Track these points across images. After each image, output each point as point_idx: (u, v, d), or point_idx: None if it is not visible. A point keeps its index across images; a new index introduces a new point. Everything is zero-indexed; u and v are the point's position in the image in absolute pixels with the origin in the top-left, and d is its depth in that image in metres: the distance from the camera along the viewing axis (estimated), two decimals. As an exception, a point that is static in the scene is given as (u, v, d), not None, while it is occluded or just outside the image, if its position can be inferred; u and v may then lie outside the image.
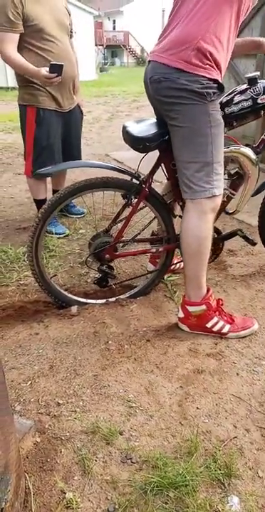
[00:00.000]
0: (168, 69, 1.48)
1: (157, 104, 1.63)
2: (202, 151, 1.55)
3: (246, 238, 2.10)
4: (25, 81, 2.47)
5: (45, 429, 1.27)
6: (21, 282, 2.23)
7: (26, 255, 1.85)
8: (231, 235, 2.12)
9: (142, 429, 1.28)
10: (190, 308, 1.72)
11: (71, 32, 2.64)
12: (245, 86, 1.83)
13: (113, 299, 2.00)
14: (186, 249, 1.68)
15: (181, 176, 1.64)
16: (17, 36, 2.31)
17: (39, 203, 2.78)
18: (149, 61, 1.59)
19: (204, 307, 1.70)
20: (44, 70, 2.26)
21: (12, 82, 12.42)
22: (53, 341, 1.70)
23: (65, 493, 1.07)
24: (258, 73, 1.87)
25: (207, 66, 1.47)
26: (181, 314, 1.76)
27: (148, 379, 1.49)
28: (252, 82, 1.81)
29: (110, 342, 1.69)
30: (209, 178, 1.56)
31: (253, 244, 2.12)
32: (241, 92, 1.82)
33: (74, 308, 1.94)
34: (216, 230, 2.08)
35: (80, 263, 2.44)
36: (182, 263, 2.15)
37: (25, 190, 3.73)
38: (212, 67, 1.48)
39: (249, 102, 1.80)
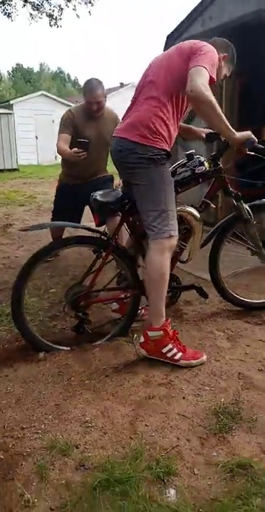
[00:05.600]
0: (127, 142, 1.95)
1: (121, 168, 2.09)
2: (158, 203, 1.96)
3: (201, 290, 2.41)
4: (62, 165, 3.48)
5: (9, 448, 1.42)
6: (-6, 336, 2.41)
7: (11, 303, 2.10)
8: (189, 287, 2.43)
9: (96, 443, 1.46)
10: (150, 333, 1.99)
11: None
12: (185, 161, 2.26)
13: (97, 342, 2.21)
14: (150, 280, 2.02)
15: (144, 222, 2.02)
16: (69, 137, 3.12)
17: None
18: (114, 136, 2.07)
19: (161, 333, 1.97)
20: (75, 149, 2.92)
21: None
22: (20, 380, 1.88)
23: (23, 496, 1.22)
24: (194, 150, 2.32)
25: (156, 139, 1.93)
26: (141, 339, 2.03)
27: (104, 405, 1.68)
28: (190, 157, 2.25)
29: (72, 378, 1.88)
30: (165, 222, 1.96)
31: (206, 297, 2.44)
32: (182, 166, 2.25)
33: (41, 354, 2.13)
34: (176, 280, 2.40)
35: (49, 317, 2.66)
36: (143, 310, 2.43)
37: (1, 257, 4.02)
38: (160, 139, 1.94)
39: (189, 173, 2.23)
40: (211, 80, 1.83)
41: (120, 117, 3.31)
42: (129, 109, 2.07)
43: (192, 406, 1.68)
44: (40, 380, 1.87)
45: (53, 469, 1.33)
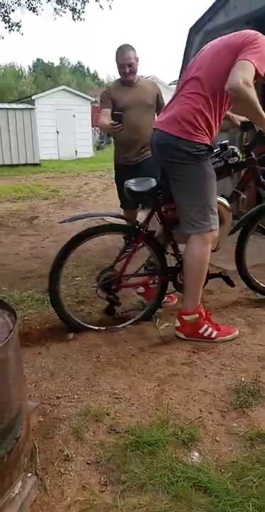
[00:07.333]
0: (170, 136, 1.97)
1: (162, 162, 2.11)
2: (200, 198, 2.02)
3: (227, 279, 2.48)
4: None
5: (47, 413, 1.57)
6: (26, 318, 2.58)
7: (48, 283, 2.26)
8: (216, 275, 2.52)
9: (125, 412, 1.59)
10: (185, 318, 2.11)
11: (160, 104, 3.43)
12: (218, 151, 2.30)
13: (122, 325, 2.33)
14: (190, 270, 2.10)
15: (185, 217, 2.06)
16: (108, 111, 3.29)
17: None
18: (155, 128, 2.09)
19: (196, 316, 2.09)
20: (111, 122, 3.08)
21: (16, 159, 13.52)
22: (52, 357, 2.03)
23: (63, 451, 1.37)
24: (228, 141, 2.38)
25: (199, 134, 1.95)
26: (177, 324, 2.15)
27: (131, 380, 1.81)
28: (223, 147, 2.30)
29: (100, 356, 2.02)
30: (206, 217, 2.02)
31: (233, 285, 2.51)
32: (216, 156, 2.28)
33: (71, 335, 2.28)
34: None
35: (77, 302, 2.81)
36: (166, 297, 2.54)
37: (29, 248, 4.21)
38: (203, 134, 1.96)
39: (222, 163, 2.28)
40: (258, 76, 1.77)
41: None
42: (170, 102, 2.07)
43: (214, 384, 1.79)
44: (71, 358, 2.01)
45: (87, 431, 1.47)
